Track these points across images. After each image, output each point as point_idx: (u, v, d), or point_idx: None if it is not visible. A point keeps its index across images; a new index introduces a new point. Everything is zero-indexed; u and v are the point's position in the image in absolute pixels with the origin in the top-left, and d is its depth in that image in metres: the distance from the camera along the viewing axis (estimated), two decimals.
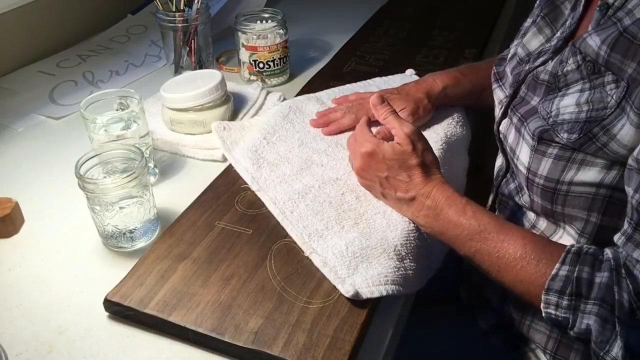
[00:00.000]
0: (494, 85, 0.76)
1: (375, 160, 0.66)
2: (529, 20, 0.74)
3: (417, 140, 0.65)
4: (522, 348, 0.73)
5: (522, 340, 0.73)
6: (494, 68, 0.77)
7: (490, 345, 0.77)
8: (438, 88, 0.83)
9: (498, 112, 0.73)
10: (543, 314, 0.55)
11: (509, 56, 0.75)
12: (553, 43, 0.66)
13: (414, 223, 0.65)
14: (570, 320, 0.53)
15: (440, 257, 0.68)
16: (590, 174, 0.57)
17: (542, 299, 0.54)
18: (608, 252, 0.54)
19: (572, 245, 0.56)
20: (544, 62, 0.65)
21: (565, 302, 0.53)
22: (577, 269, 0.53)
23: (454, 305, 0.85)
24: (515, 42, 0.74)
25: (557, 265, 0.54)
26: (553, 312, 0.54)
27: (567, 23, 0.65)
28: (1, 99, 0.97)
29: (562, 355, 0.67)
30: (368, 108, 0.73)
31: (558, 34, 0.66)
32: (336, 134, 0.80)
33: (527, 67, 0.68)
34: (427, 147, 0.66)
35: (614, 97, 0.53)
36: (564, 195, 0.60)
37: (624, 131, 0.53)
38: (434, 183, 0.64)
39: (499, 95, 0.74)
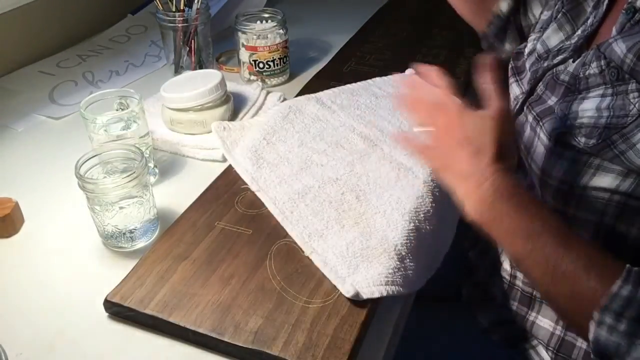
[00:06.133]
0: (511, 80, 0.75)
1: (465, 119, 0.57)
2: (546, 14, 0.72)
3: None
4: (523, 345, 0.73)
5: (524, 336, 0.73)
6: (511, 62, 0.76)
7: (490, 342, 0.77)
8: None
9: (513, 108, 0.72)
10: (590, 336, 0.48)
11: (528, 51, 0.74)
12: (573, 41, 0.65)
13: (413, 222, 0.65)
14: (621, 347, 0.47)
15: (440, 256, 0.68)
16: (605, 180, 0.56)
17: (597, 318, 0.47)
18: None
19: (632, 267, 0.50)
20: (564, 60, 0.65)
21: (622, 327, 0.46)
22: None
23: (454, 303, 0.85)
24: (534, 37, 0.73)
25: (619, 283, 0.47)
26: (605, 334, 0.47)
27: (589, 21, 0.64)
28: (1, 99, 0.97)
29: (565, 352, 0.67)
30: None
31: (579, 32, 0.66)
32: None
33: (545, 64, 0.67)
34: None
35: (637, 105, 0.53)
36: (577, 198, 0.59)
37: None
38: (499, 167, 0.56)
39: (515, 90, 0.73)
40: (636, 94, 0.53)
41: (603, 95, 0.56)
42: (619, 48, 0.55)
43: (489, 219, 0.55)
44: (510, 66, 0.76)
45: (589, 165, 0.57)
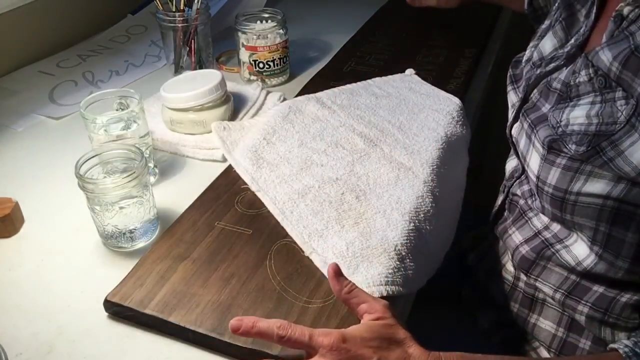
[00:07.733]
0: (509, 88, 0.76)
1: (354, 345, 0.48)
2: (546, 23, 0.73)
3: (394, 314, 0.53)
4: (524, 347, 0.73)
5: (524, 338, 0.73)
6: (510, 70, 0.77)
7: (491, 344, 0.77)
8: None
9: (510, 115, 0.73)
10: None
11: (525, 59, 0.74)
12: (566, 50, 0.66)
13: (413, 222, 0.65)
14: None
15: (441, 256, 0.68)
16: (598, 186, 0.56)
17: None
18: None
19: (624, 346, 0.53)
20: (557, 68, 0.65)
21: None
22: None
23: (454, 304, 0.85)
24: (532, 44, 0.74)
25: None
26: None
27: (581, 30, 0.65)
28: (1, 99, 0.97)
29: (567, 354, 0.67)
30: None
31: (572, 40, 0.66)
32: None
33: (538, 71, 0.68)
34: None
35: (624, 113, 0.53)
36: (572, 204, 0.59)
37: (634, 148, 0.52)
38: (436, 353, 0.53)
39: (513, 98, 0.74)
40: (623, 101, 0.54)
41: (592, 103, 0.57)
42: (605, 56, 0.56)
43: None
44: (508, 74, 0.77)
45: (581, 172, 0.57)
